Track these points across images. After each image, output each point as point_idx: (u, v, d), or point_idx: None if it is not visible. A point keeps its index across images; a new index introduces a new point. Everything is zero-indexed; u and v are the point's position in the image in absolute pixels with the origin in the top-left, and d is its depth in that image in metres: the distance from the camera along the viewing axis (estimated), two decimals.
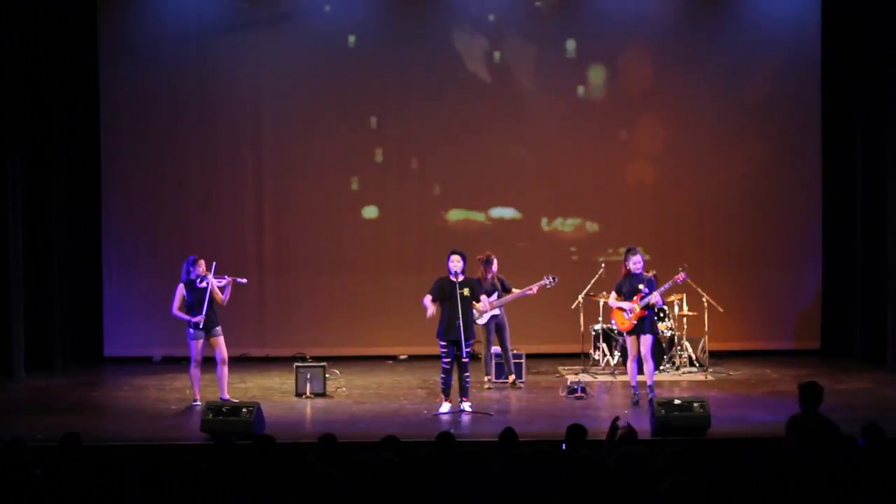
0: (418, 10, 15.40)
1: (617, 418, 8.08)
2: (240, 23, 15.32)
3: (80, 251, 15.06)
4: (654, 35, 15.31)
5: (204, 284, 11.69)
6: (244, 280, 12.13)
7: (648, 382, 11.61)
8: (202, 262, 11.79)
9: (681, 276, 11.89)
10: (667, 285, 11.91)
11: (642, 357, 11.66)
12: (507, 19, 15.35)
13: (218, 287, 11.79)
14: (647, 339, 11.61)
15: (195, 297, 11.70)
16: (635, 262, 11.67)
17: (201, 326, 11.65)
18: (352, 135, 15.39)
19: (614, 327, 12.25)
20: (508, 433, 7.77)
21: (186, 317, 11.69)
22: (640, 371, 11.89)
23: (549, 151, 15.42)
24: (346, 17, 15.32)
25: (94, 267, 15.23)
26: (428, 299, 11.33)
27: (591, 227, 15.44)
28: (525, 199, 15.47)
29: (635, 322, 11.61)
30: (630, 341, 11.76)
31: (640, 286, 11.59)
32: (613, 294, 11.88)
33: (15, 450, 7.22)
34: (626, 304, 11.63)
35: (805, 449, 7.32)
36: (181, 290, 11.76)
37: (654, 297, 11.57)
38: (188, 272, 11.77)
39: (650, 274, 12.05)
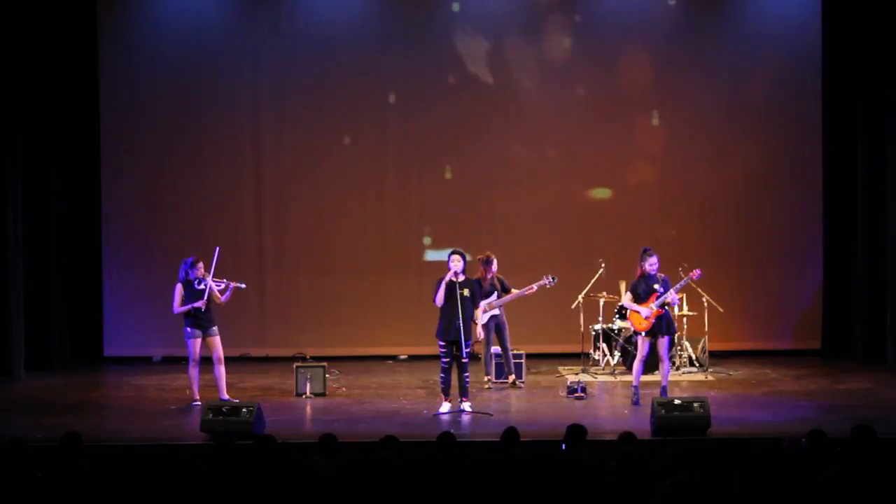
0: (418, 10, 15.40)
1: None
2: (240, 22, 15.32)
3: (80, 251, 15.06)
4: (655, 35, 15.30)
5: (202, 287, 11.69)
6: (243, 285, 12.10)
7: (663, 383, 11.66)
8: (201, 263, 11.79)
9: (696, 272, 11.89)
10: (682, 282, 11.91)
11: (660, 358, 11.68)
12: (507, 20, 15.35)
13: (217, 290, 11.80)
14: (664, 341, 11.65)
15: (194, 299, 11.70)
16: (651, 264, 11.68)
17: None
18: (352, 135, 15.38)
19: (631, 328, 12.23)
20: (511, 433, 7.77)
21: (189, 305, 11.66)
22: (645, 371, 12.01)
23: (549, 151, 15.42)
24: (347, 17, 15.31)
25: (94, 267, 15.22)
26: (439, 298, 11.30)
27: (592, 226, 15.42)
28: (525, 200, 15.45)
29: (653, 321, 11.60)
30: (642, 340, 11.74)
31: (656, 286, 11.60)
32: (628, 295, 11.85)
33: (15, 450, 7.22)
34: (642, 308, 11.62)
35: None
36: (180, 289, 11.75)
37: (669, 296, 11.58)
38: (186, 273, 11.77)
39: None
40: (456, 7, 15.33)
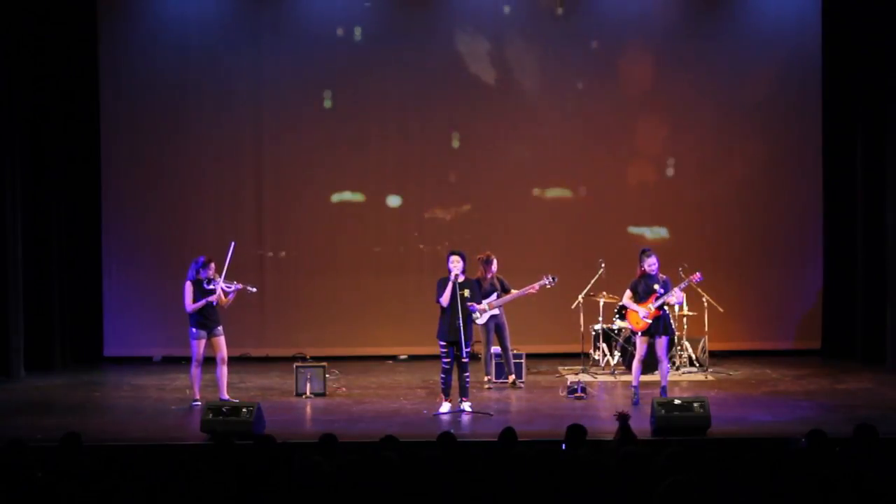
0: (420, 10, 15.40)
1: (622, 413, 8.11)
2: (240, 23, 15.31)
3: (80, 251, 15.05)
4: (655, 35, 15.30)
5: (212, 287, 11.67)
6: (254, 289, 12.08)
7: (663, 383, 11.69)
8: (213, 264, 11.74)
9: (696, 276, 11.91)
10: (682, 284, 11.89)
11: (658, 358, 11.70)
12: (508, 20, 15.34)
13: (225, 291, 11.76)
14: (662, 342, 11.66)
15: (201, 298, 11.67)
16: (650, 265, 11.69)
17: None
18: (352, 135, 15.37)
19: (629, 327, 12.24)
20: (508, 433, 7.78)
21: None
22: (644, 371, 12.04)
23: (550, 152, 15.42)
24: (347, 17, 15.30)
25: (94, 267, 15.21)
26: (445, 298, 11.28)
27: (592, 226, 15.41)
28: (526, 200, 15.45)
29: (650, 321, 11.61)
30: (640, 341, 11.74)
31: (656, 286, 11.61)
32: (628, 293, 11.84)
33: (15, 450, 7.22)
34: (640, 308, 11.62)
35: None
36: (189, 287, 11.69)
37: (672, 297, 11.58)
38: (197, 272, 11.72)
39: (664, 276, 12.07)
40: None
